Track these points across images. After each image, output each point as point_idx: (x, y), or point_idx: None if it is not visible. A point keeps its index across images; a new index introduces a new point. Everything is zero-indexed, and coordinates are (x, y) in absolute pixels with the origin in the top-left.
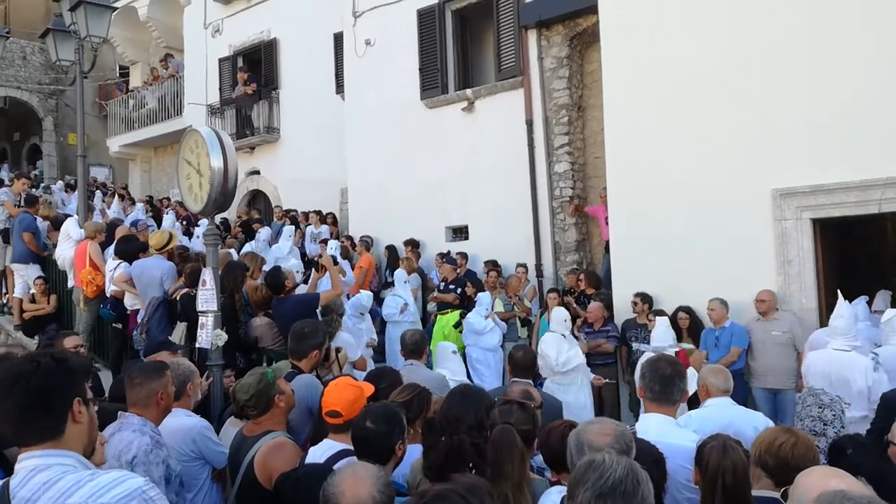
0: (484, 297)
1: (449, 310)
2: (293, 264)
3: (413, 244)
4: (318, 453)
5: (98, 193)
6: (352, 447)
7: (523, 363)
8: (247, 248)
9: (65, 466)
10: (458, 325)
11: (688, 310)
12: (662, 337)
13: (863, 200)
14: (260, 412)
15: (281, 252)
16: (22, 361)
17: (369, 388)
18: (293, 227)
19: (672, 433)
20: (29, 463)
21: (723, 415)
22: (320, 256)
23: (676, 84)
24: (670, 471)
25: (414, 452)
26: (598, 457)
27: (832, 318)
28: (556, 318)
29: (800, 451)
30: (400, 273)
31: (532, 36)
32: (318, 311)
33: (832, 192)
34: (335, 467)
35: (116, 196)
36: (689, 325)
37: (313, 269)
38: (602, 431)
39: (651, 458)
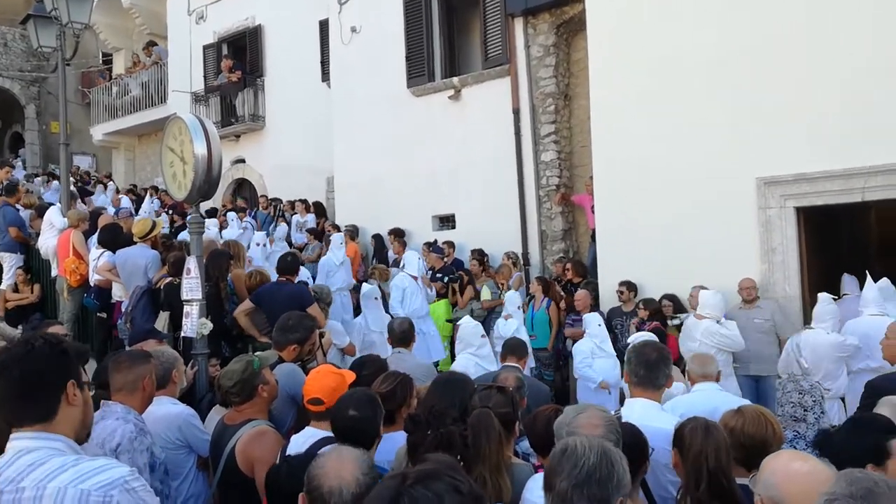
0: (591, 318)
1: (436, 298)
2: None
3: (397, 234)
4: (301, 441)
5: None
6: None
7: (516, 349)
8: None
9: (52, 450)
10: (450, 319)
11: (672, 297)
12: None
13: (846, 189)
14: (242, 400)
15: (332, 264)
16: (15, 345)
17: (350, 376)
18: (341, 234)
19: (656, 417)
20: (18, 444)
21: (709, 400)
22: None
23: (662, 73)
24: (655, 455)
25: (398, 440)
26: (571, 442)
27: (864, 291)
28: (710, 302)
29: (749, 429)
30: (513, 296)
31: (518, 24)
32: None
33: (815, 180)
34: (319, 452)
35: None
36: (671, 313)
37: None
38: (592, 422)
39: (634, 441)
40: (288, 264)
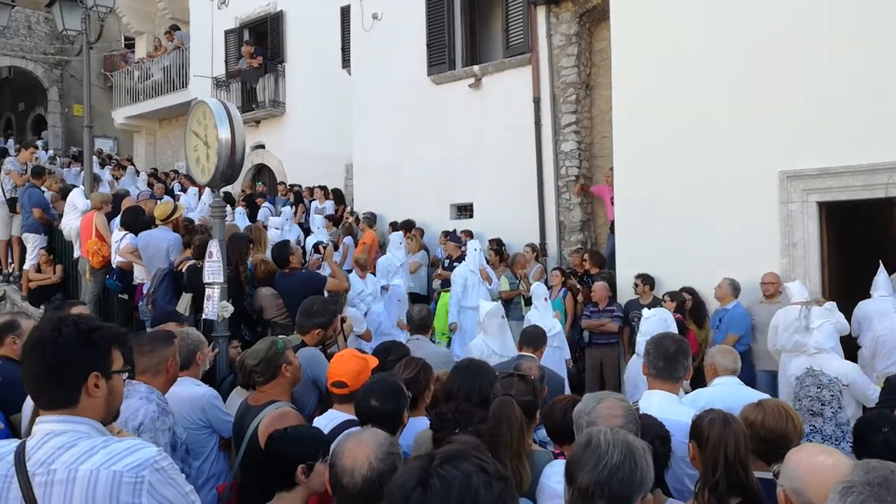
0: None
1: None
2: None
3: (409, 226)
4: (324, 423)
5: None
6: (356, 418)
7: (533, 339)
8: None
9: (79, 433)
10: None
11: (691, 290)
12: None
13: (870, 184)
14: (266, 380)
15: (393, 265)
16: (48, 326)
17: (374, 361)
18: (400, 231)
19: (674, 410)
20: (45, 427)
21: (730, 394)
22: (325, 246)
23: (685, 65)
24: (672, 447)
25: (418, 425)
26: (595, 437)
27: (877, 276)
28: (802, 289)
29: (769, 423)
30: (539, 288)
31: (541, 12)
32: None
33: (839, 175)
34: (346, 432)
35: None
36: (691, 307)
37: (313, 251)
38: (612, 413)
39: (656, 434)
40: (276, 257)
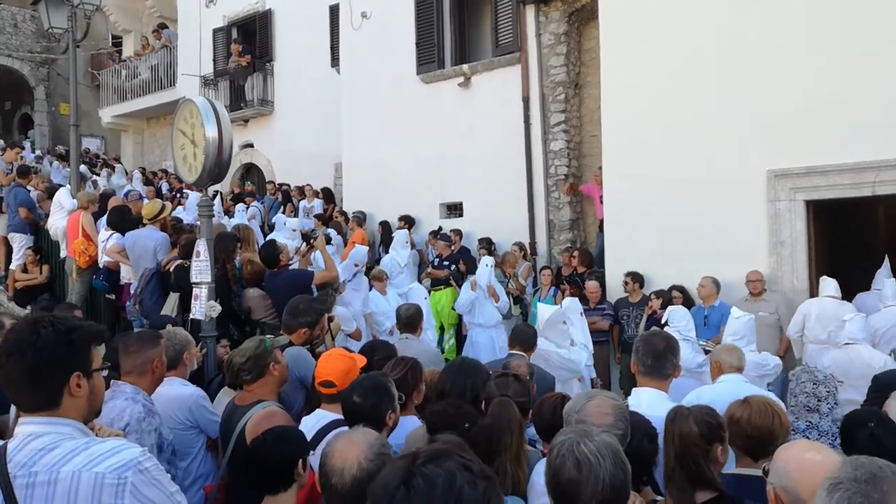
0: (678, 312)
1: (442, 286)
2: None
3: (407, 220)
4: (311, 423)
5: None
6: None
7: (524, 338)
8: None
9: (61, 434)
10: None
11: (681, 288)
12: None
13: (857, 183)
14: (254, 378)
15: (399, 263)
16: (25, 328)
17: (362, 360)
18: (405, 230)
19: (663, 407)
20: (26, 428)
21: (733, 392)
22: (315, 238)
23: (673, 64)
24: (660, 445)
25: (408, 424)
26: (579, 454)
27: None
28: (834, 285)
29: (755, 420)
30: (573, 303)
31: (530, 11)
32: (312, 288)
33: (826, 173)
34: (336, 432)
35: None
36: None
37: (304, 244)
38: (602, 411)
39: (644, 432)
40: (264, 257)
